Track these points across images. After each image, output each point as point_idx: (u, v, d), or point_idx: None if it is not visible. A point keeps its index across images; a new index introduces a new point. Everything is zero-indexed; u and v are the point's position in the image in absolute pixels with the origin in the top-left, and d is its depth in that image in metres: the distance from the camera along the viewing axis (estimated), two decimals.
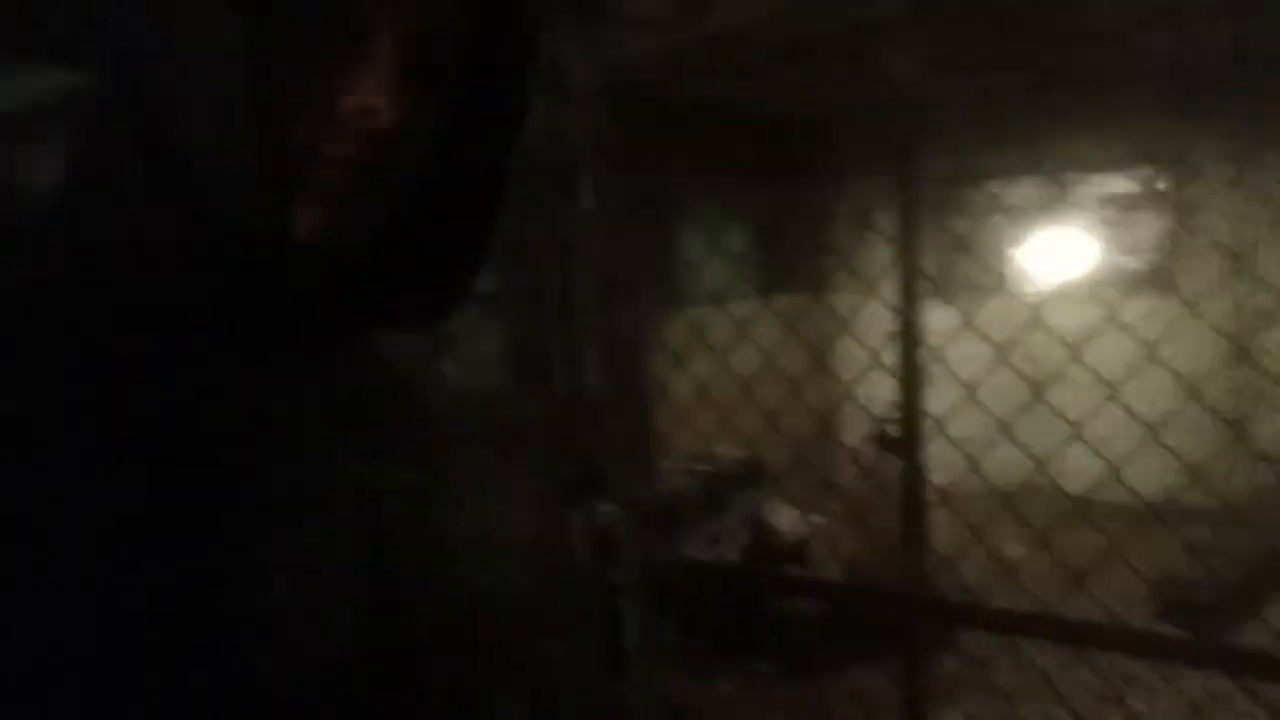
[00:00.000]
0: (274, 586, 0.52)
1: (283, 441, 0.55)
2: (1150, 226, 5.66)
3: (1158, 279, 5.17)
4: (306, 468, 0.56)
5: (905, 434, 2.82)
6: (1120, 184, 6.26)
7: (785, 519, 4.00)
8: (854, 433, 5.27)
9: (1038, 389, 1.98)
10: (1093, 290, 5.25)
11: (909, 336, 2.78)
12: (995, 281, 5.63)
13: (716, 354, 1.75)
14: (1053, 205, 5.98)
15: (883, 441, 3.49)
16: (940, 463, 4.30)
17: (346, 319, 0.60)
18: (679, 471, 4.31)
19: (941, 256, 5.56)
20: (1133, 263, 5.64)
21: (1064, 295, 5.36)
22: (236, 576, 0.51)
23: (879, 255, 2.83)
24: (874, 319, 2.91)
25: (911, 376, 2.81)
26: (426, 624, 0.64)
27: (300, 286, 0.55)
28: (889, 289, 2.92)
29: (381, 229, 0.57)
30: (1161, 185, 5.47)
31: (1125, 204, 6.15)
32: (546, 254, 1.78)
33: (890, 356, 2.94)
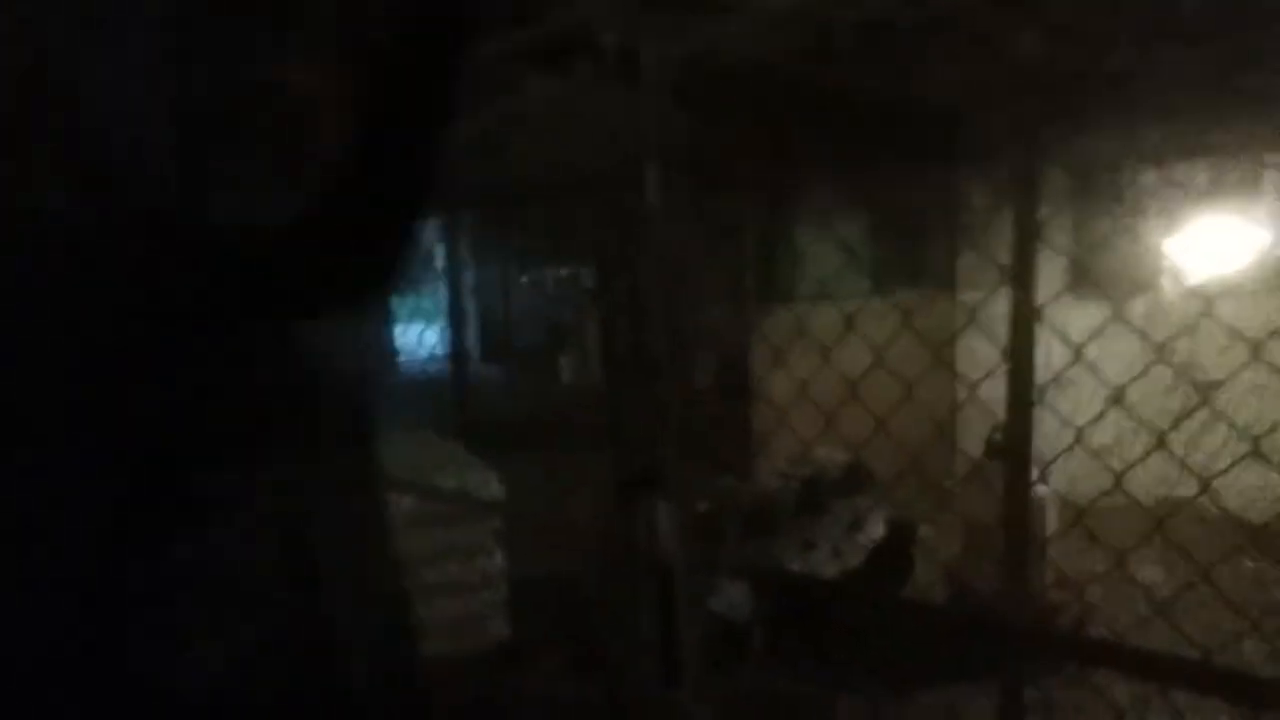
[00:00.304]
0: (180, 601, 0.50)
1: (202, 440, 0.53)
2: None
3: None
4: (226, 469, 0.54)
5: (1013, 440, 2.59)
6: None
7: (886, 528, 3.78)
8: (972, 438, 4.93)
9: (1202, 392, 1.72)
10: (1272, 285, 4.64)
11: (1021, 328, 2.54)
12: (1154, 275, 5.08)
13: (824, 351, 1.65)
14: (1227, 190, 5.32)
15: (990, 448, 3.23)
16: (1071, 475, 3.94)
17: (265, 307, 0.57)
18: (778, 474, 4.18)
19: (1094, 246, 5.08)
20: None
21: (1236, 290, 4.76)
22: (141, 584, 0.49)
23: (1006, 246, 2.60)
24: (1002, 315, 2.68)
25: (1022, 373, 2.57)
26: (361, 657, 0.61)
27: (219, 273, 0.52)
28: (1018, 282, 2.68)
29: (302, 213, 0.54)
30: None
31: None
32: (616, 249, 1.75)
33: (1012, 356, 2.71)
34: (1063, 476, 3.81)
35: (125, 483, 0.50)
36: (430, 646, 3.38)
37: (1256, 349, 1.37)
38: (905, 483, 4.11)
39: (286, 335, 0.58)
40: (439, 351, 5.62)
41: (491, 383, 6.71)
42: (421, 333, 6.38)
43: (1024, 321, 2.60)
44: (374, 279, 0.59)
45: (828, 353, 1.68)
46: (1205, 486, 1.43)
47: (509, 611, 3.50)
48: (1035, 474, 3.46)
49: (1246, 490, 4.01)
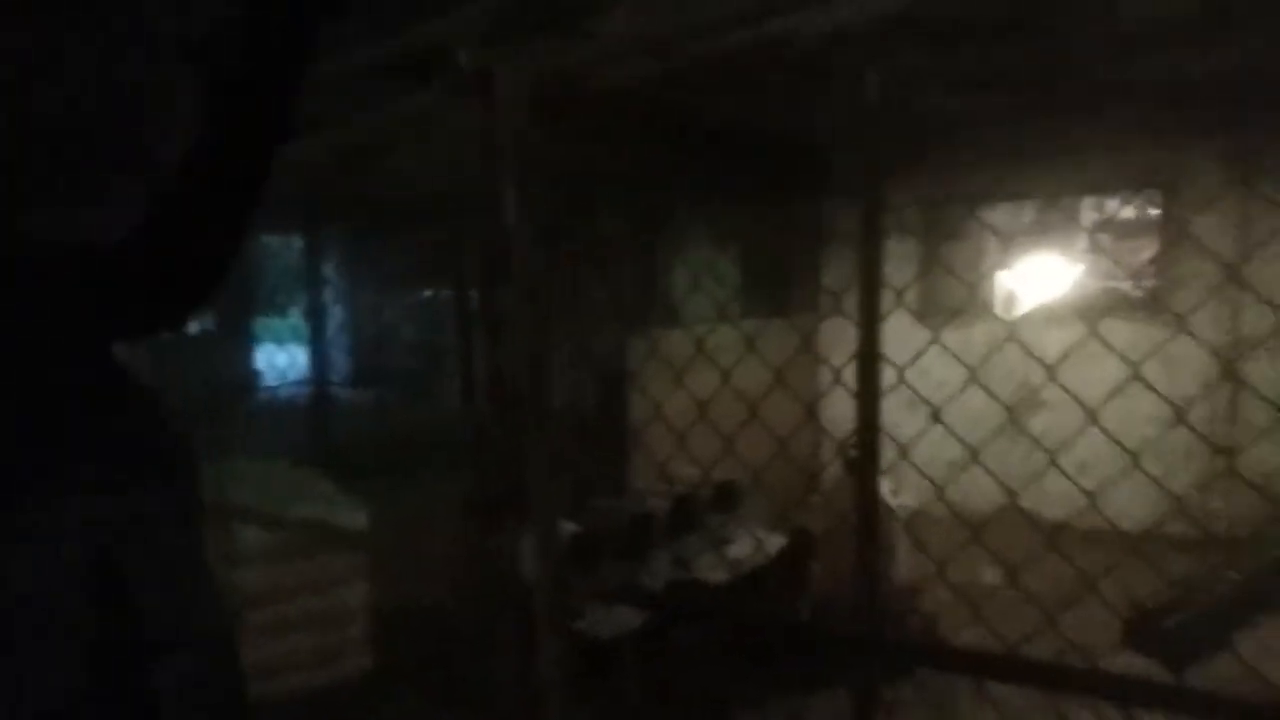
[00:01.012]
0: None
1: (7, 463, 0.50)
2: (1140, 251, 5.59)
3: (1146, 303, 5.09)
4: (32, 492, 0.51)
5: (863, 458, 2.75)
6: (1111, 208, 6.19)
7: (750, 543, 3.91)
8: (830, 457, 5.19)
9: (1013, 412, 1.88)
10: (1078, 313, 5.17)
11: (868, 356, 2.72)
12: (978, 304, 5.56)
13: (689, 376, 1.68)
14: (1042, 229, 5.92)
15: (847, 465, 3.43)
16: (914, 488, 4.23)
17: (82, 324, 0.54)
18: (650, 493, 4.24)
19: (923, 278, 5.50)
20: (1121, 287, 5.56)
21: (1048, 318, 5.29)
22: None
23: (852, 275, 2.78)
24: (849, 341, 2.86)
25: (870, 397, 2.75)
26: (173, 694, 0.58)
27: (35, 290, 0.49)
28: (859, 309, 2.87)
29: (127, 226, 0.52)
30: (1153, 210, 5.40)
31: (1116, 229, 6.09)
32: (477, 271, 1.74)
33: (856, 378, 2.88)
34: (915, 490, 4.09)
35: None
36: (289, 681, 3.18)
37: (1052, 371, 1.53)
38: (775, 498, 4.27)
39: (96, 361, 0.54)
40: (303, 377, 5.36)
41: (362, 408, 6.45)
42: (285, 357, 6.06)
43: (869, 346, 2.79)
44: (195, 294, 0.57)
45: (703, 374, 1.73)
46: (1014, 497, 1.56)
47: (372, 644, 3.36)
48: (885, 487, 3.68)
49: (1052, 497, 4.47)
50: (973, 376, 1.77)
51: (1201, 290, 4.51)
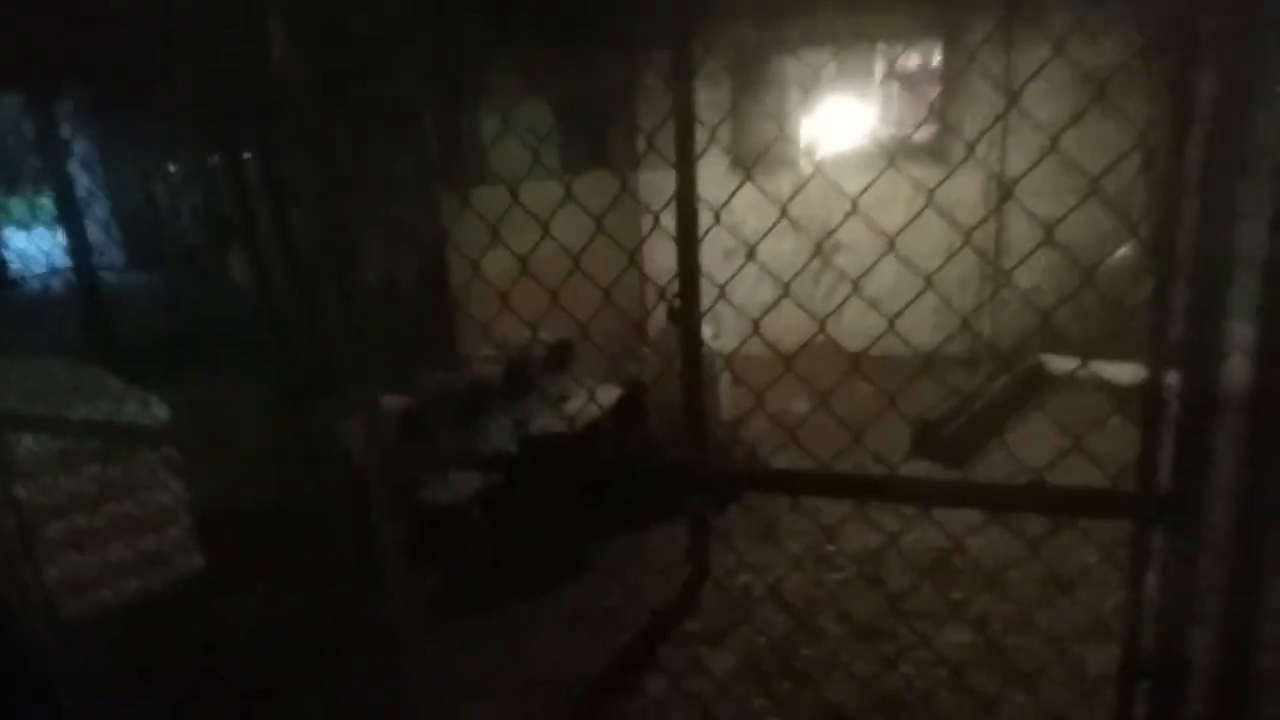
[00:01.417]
0: None
1: None
2: (928, 97, 5.96)
3: (932, 148, 5.50)
4: None
5: (684, 302, 2.86)
6: (903, 57, 6.49)
7: (584, 398, 4.02)
8: (654, 307, 5.34)
9: (819, 249, 1.96)
10: (874, 159, 5.50)
11: (684, 198, 2.76)
12: (786, 151, 5.77)
13: (509, 235, 1.59)
14: (845, 77, 6.13)
15: (670, 313, 3.56)
16: (733, 330, 4.48)
17: None
18: (483, 359, 4.19)
19: (735, 125, 5.58)
20: (912, 131, 5.95)
21: (848, 163, 5.60)
22: None
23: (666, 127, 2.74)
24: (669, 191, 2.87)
25: (688, 244, 2.82)
26: None
27: None
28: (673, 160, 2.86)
29: None
30: (936, 59, 5.71)
31: (907, 77, 6.43)
32: (251, 128, 1.53)
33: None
34: (734, 332, 4.33)
35: None
36: (115, 590, 2.97)
37: (855, 205, 1.62)
38: (606, 351, 4.37)
39: None
40: (62, 263, 4.63)
41: (141, 293, 5.74)
42: (34, 242, 5.19)
43: (685, 197, 2.81)
44: None
45: (520, 234, 1.66)
46: (821, 326, 1.67)
47: (199, 542, 3.18)
48: (707, 331, 3.85)
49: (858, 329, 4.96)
50: (783, 214, 1.82)
51: (976, 133, 4.93)
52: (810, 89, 5.74)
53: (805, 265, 2.35)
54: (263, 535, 2.40)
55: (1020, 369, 4.43)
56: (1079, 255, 2.11)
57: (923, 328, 4.84)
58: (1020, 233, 4.84)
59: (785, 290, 1.57)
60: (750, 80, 5.61)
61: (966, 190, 4.89)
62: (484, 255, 1.68)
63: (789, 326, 1.93)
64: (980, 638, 2.57)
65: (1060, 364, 4.49)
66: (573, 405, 4.15)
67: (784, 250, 5.35)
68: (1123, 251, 4.20)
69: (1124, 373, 4.24)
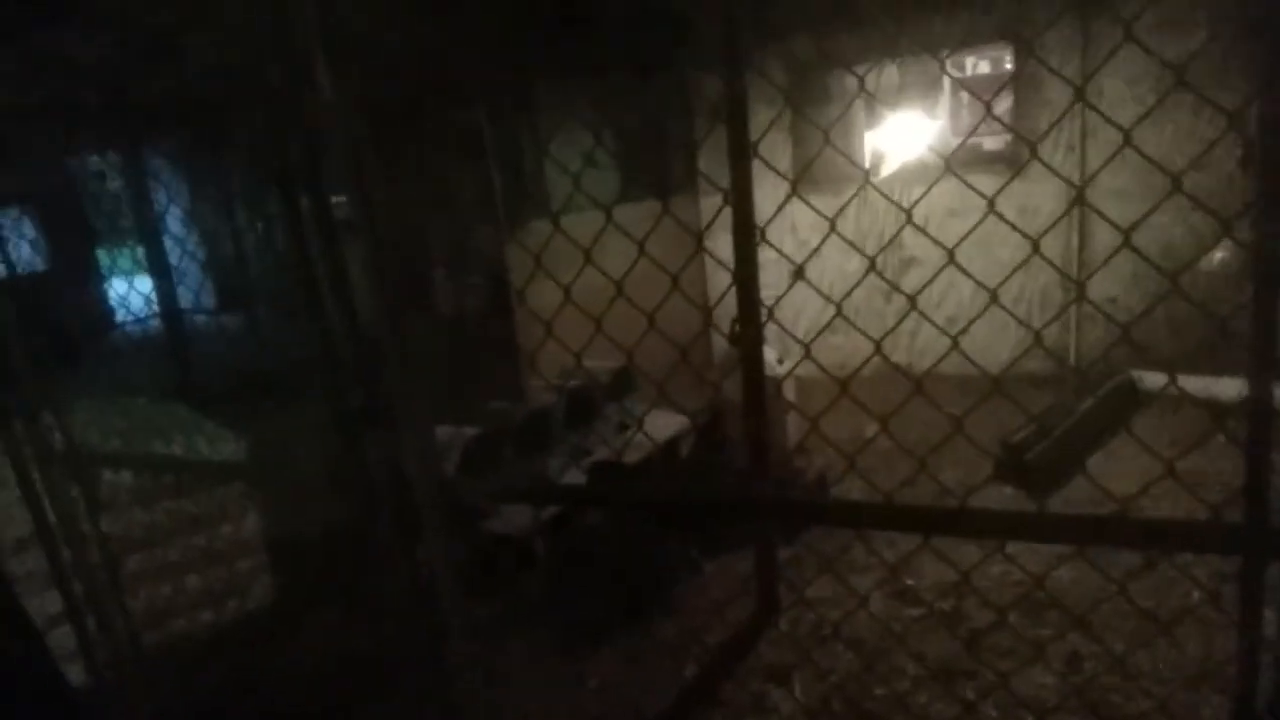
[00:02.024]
0: None
1: None
2: (1001, 106, 5.75)
3: (1005, 156, 5.28)
4: None
5: (744, 327, 2.79)
6: (975, 64, 6.29)
7: (654, 425, 3.97)
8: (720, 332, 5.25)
9: (875, 263, 1.87)
10: (942, 169, 5.32)
11: (740, 225, 2.70)
12: (852, 168, 5.64)
13: (573, 268, 1.59)
14: (911, 88, 5.97)
15: (731, 337, 3.48)
16: (800, 354, 4.36)
17: None
18: (546, 388, 4.20)
19: (801, 144, 5.49)
20: (986, 142, 5.74)
21: (914, 176, 5.43)
22: None
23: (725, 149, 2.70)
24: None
25: (745, 267, 2.75)
26: None
27: None
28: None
29: None
30: (1010, 65, 5.51)
31: (980, 84, 6.22)
32: (299, 161, 1.56)
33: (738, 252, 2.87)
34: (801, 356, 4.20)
35: None
36: (189, 623, 3.05)
37: (911, 216, 1.53)
38: (671, 378, 4.31)
39: None
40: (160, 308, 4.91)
41: (229, 333, 6.05)
42: (137, 290, 5.52)
43: (742, 219, 2.75)
44: None
45: (583, 262, 1.64)
46: (877, 347, 1.57)
47: (271, 573, 3.25)
48: (771, 355, 3.74)
49: (929, 349, 4.76)
50: (832, 229, 1.72)
51: (1054, 139, 4.71)
52: (873, 103, 5.61)
53: (859, 282, 2.24)
54: (329, 564, 2.43)
55: (1110, 387, 4.15)
56: (1169, 261, 1.94)
57: (1002, 346, 4.61)
58: (1106, 242, 4.57)
59: (838, 310, 1.49)
60: (813, 95, 5.53)
61: (1047, 199, 4.66)
62: (531, 283, 1.67)
63: (856, 347, 1.84)
64: (1069, 680, 2.37)
65: (1154, 380, 4.19)
66: (635, 434, 4.11)
67: (850, 269, 5.23)
68: (1219, 256, 3.90)
69: (1226, 388, 3.93)
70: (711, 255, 2.30)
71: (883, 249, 2.46)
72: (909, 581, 2.94)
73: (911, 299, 1.44)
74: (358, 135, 1.42)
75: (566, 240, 1.64)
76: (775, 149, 5.43)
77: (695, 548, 3.43)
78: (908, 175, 5.53)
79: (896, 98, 5.96)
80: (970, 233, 1.63)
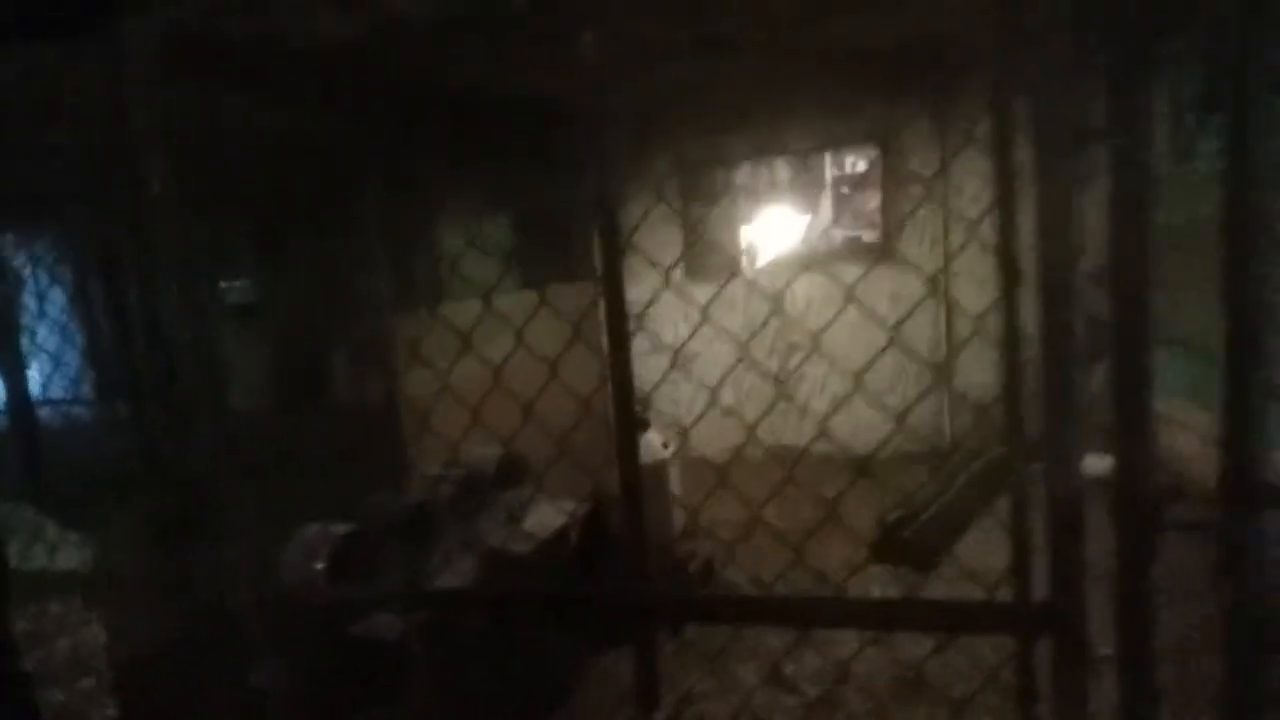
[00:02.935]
0: None
1: None
2: (871, 201, 6.17)
3: (876, 248, 5.64)
4: None
5: (618, 417, 2.80)
6: (847, 163, 6.76)
7: (542, 515, 3.89)
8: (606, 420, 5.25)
9: (744, 349, 1.92)
10: (817, 261, 5.62)
11: (613, 314, 2.75)
12: (732, 260, 5.89)
13: (464, 354, 1.56)
14: (798, 184, 6.35)
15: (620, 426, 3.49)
16: (702, 437, 4.41)
17: None
18: (431, 479, 4.07)
19: (692, 235, 5.71)
20: (855, 234, 6.11)
21: (792, 267, 5.71)
22: None
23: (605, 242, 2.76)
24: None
25: (620, 357, 2.79)
26: None
27: None
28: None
29: None
30: (879, 164, 5.95)
31: (852, 181, 6.68)
32: (129, 252, 1.51)
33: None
34: (697, 438, 4.25)
35: None
36: None
37: (778, 306, 1.59)
38: (559, 466, 4.26)
39: None
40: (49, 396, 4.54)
41: (111, 425, 5.63)
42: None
43: (614, 308, 2.80)
44: None
45: (470, 349, 1.62)
46: (750, 432, 1.60)
47: (117, 693, 2.95)
48: (656, 441, 3.76)
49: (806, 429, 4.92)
50: (704, 316, 1.77)
51: (920, 231, 5.07)
52: (756, 197, 5.93)
53: (732, 369, 2.31)
54: (168, 687, 2.21)
55: (982, 463, 4.36)
56: (1031, 344, 2.09)
57: (886, 425, 4.78)
58: (966, 322, 4.89)
59: (712, 396, 1.52)
60: (700, 191, 5.79)
61: (917, 286, 4.97)
62: (408, 374, 1.64)
63: (738, 430, 1.87)
64: None
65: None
66: (529, 523, 4.00)
67: (726, 357, 5.38)
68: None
69: (1092, 465, 4.18)
70: (584, 343, 2.32)
71: (753, 335, 2.54)
72: (790, 669, 2.92)
73: (780, 382, 1.49)
74: (184, 229, 1.38)
75: (457, 325, 1.63)
76: (667, 239, 5.63)
77: (583, 644, 3.33)
78: (790, 265, 5.82)
79: (783, 193, 6.32)
80: (833, 320, 1.71)
